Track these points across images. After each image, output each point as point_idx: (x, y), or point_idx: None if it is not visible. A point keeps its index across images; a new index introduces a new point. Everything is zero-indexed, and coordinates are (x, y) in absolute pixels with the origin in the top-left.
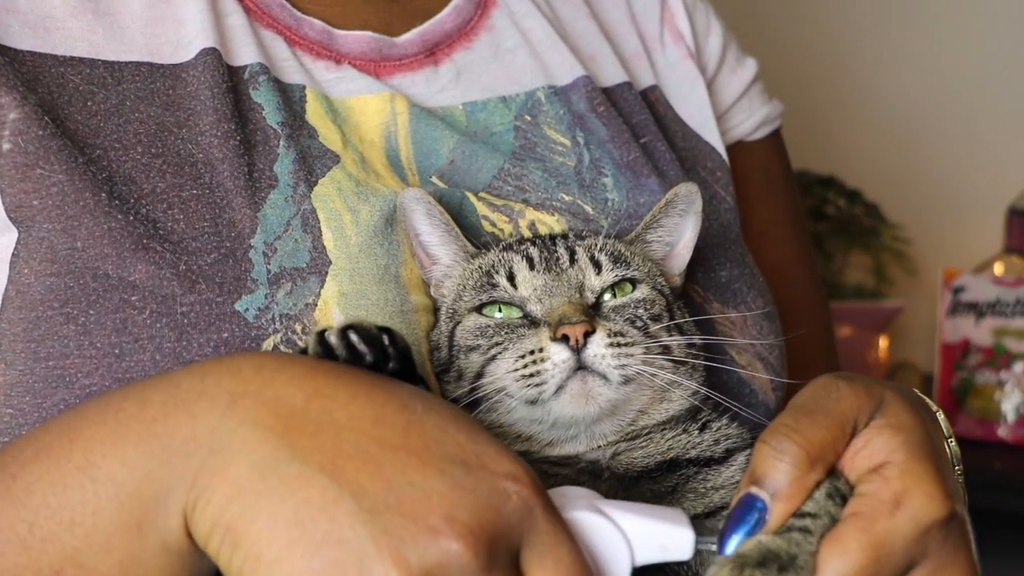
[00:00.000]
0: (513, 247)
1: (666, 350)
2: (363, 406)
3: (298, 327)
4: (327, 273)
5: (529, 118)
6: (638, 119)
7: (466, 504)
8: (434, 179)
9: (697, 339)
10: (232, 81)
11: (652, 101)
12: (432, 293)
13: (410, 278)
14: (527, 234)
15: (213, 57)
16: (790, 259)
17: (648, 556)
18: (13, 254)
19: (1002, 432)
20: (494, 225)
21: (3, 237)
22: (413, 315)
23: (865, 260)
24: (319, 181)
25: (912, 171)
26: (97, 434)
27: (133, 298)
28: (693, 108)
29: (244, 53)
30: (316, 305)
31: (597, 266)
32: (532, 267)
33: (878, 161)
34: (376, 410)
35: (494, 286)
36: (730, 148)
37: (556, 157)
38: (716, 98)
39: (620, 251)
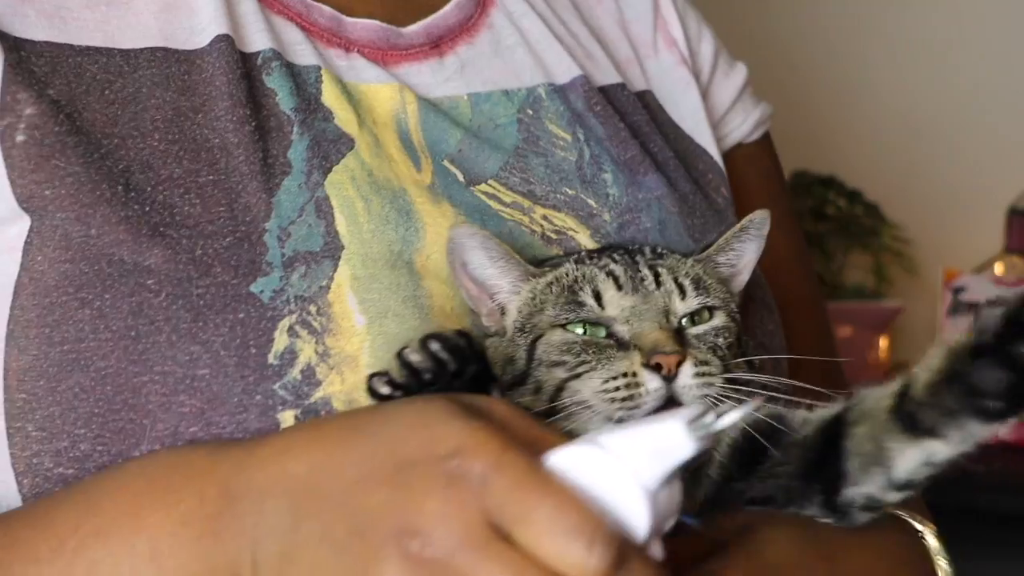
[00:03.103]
0: (591, 261)
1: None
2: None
3: (312, 308)
4: (340, 257)
5: (531, 112)
6: (632, 119)
7: (416, 509)
8: (446, 163)
9: (755, 359)
10: (245, 67)
11: (645, 104)
12: (484, 322)
13: (425, 265)
14: (541, 224)
15: (227, 44)
16: (789, 257)
17: (649, 469)
18: (26, 242)
19: (1002, 432)
20: (512, 217)
21: (14, 226)
22: (426, 300)
23: (865, 260)
24: (333, 168)
25: (912, 171)
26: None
27: (149, 282)
28: (686, 111)
29: (256, 39)
30: (330, 288)
31: (682, 291)
32: (619, 287)
33: (878, 161)
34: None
35: (580, 304)
36: (728, 152)
37: (558, 152)
38: (712, 102)
39: (700, 275)
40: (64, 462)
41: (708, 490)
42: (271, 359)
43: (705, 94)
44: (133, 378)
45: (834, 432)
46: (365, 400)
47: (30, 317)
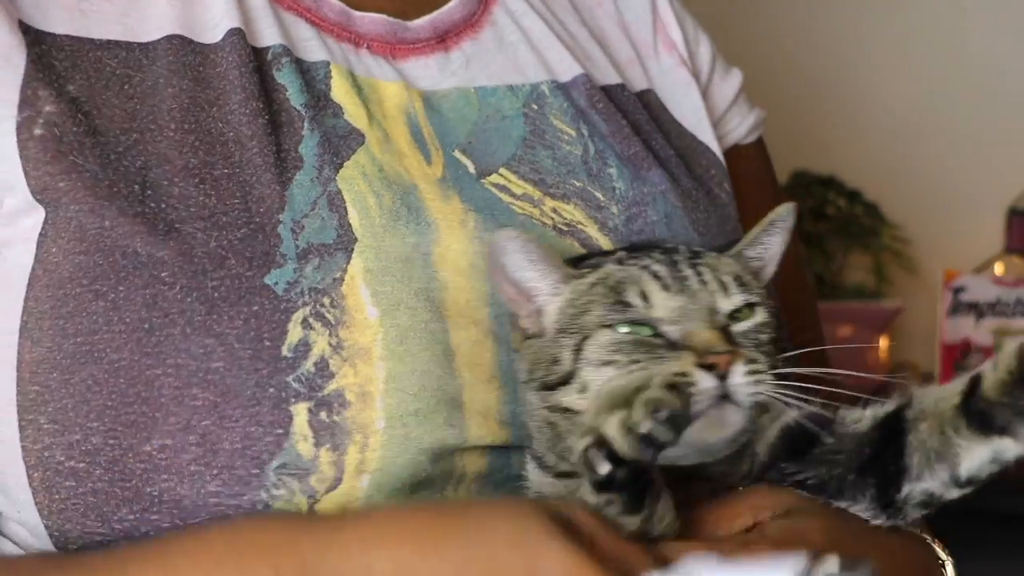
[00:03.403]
0: (632, 261)
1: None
2: None
3: (326, 300)
4: (353, 250)
5: (536, 107)
6: (633, 118)
7: None
8: (456, 153)
9: (794, 353)
10: (257, 62)
11: (646, 103)
12: (522, 323)
13: (443, 256)
14: (552, 217)
15: (239, 38)
16: (786, 261)
17: None
18: (40, 234)
19: None
20: (523, 210)
21: (29, 218)
22: (438, 292)
23: (865, 260)
24: (344, 164)
25: (912, 171)
26: None
27: (163, 274)
28: (687, 110)
29: (267, 34)
30: (343, 280)
31: (724, 288)
32: (665, 287)
33: (878, 161)
34: None
35: (628, 305)
36: (726, 153)
37: (564, 145)
38: (710, 103)
39: (739, 272)
40: (76, 455)
41: (754, 467)
42: (285, 351)
43: (704, 95)
44: (146, 371)
45: (893, 428)
46: (378, 393)
47: (44, 309)
